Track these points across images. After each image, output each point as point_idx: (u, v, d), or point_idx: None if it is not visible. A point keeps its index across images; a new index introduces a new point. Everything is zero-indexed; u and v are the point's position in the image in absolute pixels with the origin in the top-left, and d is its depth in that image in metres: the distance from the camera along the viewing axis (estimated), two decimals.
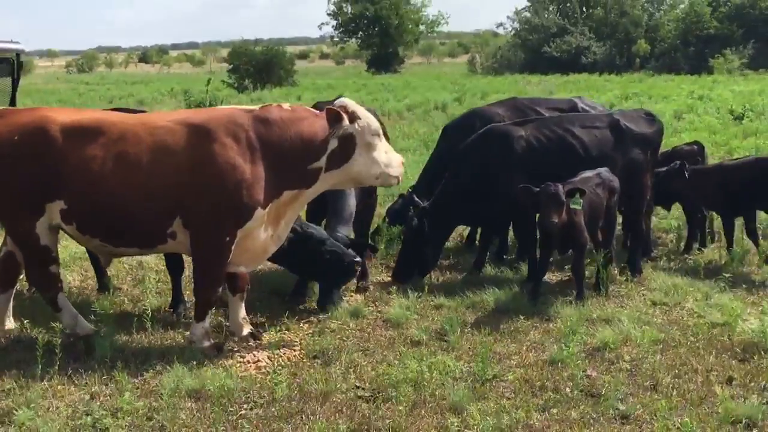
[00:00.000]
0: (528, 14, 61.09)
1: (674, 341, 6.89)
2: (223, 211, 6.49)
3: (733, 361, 6.43)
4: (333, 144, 6.74)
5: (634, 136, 8.90)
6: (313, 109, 7.13)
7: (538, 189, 7.67)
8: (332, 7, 71.06)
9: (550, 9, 60.58)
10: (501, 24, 65.52)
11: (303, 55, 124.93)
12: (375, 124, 6.87)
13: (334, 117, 6.69)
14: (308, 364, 6.53)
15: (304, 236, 7.48)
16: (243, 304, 7.11)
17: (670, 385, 6.01)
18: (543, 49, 55.61)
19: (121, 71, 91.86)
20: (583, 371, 6.25)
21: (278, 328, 7.20)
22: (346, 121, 6.70)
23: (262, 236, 6.79)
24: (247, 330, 7.05)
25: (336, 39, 74.03)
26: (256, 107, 6.86)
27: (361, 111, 6.84)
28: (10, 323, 7.13)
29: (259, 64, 44.32)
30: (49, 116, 6.55)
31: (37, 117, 6.56)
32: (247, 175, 6.48)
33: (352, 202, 8.06)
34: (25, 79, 74.86)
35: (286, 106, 6.92)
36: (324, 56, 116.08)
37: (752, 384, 6.04)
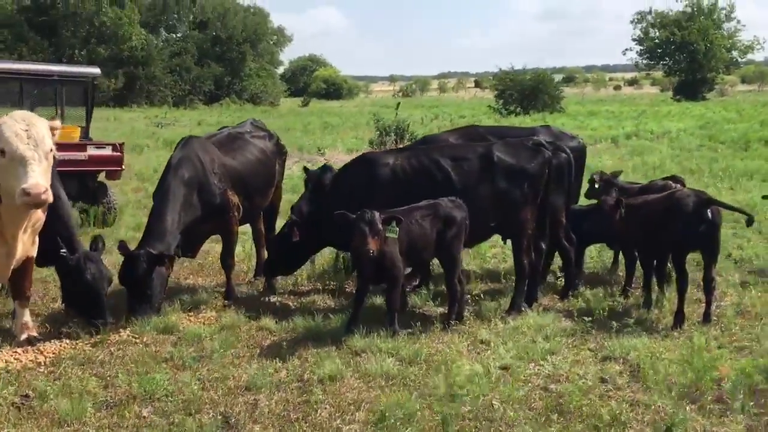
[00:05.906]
0: None
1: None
2: None
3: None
4: None
5: (506, 168, 8.33)
6: None
7: (354, 216, 7.60)
8: (638, 33, 69.21)
9: None
10: None
11: (632, 82, 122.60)
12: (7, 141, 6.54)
13: None
14: (31, 371, 6.81)
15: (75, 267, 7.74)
16: (25, 311, 7.55)
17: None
18: None
19: (442, 96, 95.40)
20: None
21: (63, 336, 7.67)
22: None
23: None
24: (24, 335, 7.44)
25: (642, 65, 71.80)
26: None
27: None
28: None
29: (525, 90, 44.73)
30: None
31: None
32: None
33: (171, 218, 8.23)
34: (345, 102, 78.14)
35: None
36: (655, 84, 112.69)
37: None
